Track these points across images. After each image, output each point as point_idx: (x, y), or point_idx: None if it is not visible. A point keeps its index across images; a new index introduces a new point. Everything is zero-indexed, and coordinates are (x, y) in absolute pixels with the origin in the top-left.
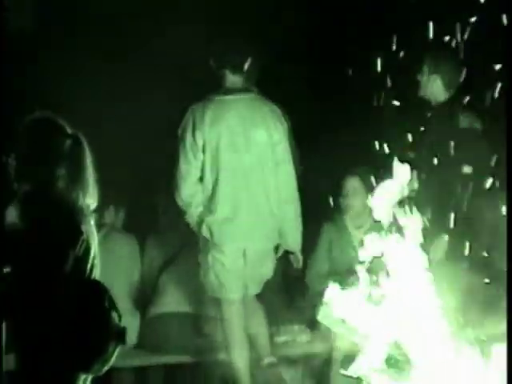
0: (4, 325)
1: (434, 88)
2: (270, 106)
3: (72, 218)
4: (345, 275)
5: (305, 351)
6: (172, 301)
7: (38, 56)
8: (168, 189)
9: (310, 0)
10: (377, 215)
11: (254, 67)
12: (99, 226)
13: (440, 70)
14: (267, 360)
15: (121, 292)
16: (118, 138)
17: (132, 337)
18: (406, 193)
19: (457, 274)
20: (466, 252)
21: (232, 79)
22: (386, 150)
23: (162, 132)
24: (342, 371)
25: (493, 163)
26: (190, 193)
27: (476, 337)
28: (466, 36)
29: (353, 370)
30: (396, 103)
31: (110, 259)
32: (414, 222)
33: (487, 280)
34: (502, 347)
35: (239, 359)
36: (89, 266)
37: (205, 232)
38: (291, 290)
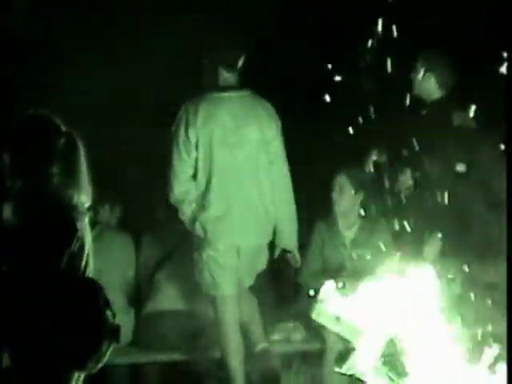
0: None
1: (428, 86)
2: (263, 104)
3: (67, 216)
4: (336, 274)
5: (299, 349)
6: (167, 298)
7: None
8: (163, 187)
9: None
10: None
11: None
12: (94, 223)
13: (434, 68)
14: (260, 346)
15: (115, 290)
16: (113, 135)
17: (127, 334)
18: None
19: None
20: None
21: (225, 77)
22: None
23: (158, 129)
24: (337, 369)
25: (487, 161)
26: (182, 190)
27: (472, 336)
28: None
29: (347, 368)
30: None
31: (104, 257)
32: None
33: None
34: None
35: (233, 356)
36: (83, 263)
37: (198, 230)
38: (285, 288)
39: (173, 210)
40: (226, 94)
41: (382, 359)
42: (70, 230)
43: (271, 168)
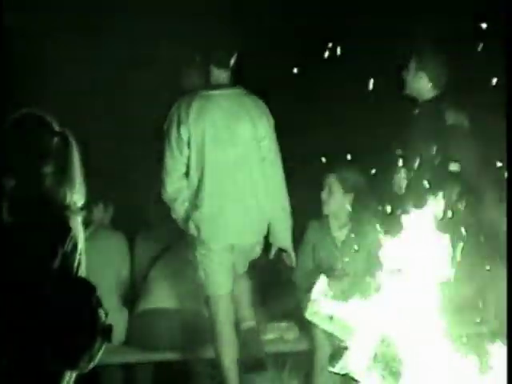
0: None
1: (421, 86)
2: (255, 101)
3: (60, 215)
4: (329, 274)
5: (293, 349)
6: (160, 297)
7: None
8: (156, 186)
9: None
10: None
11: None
12: (87, 223)
13: (426, 68)
14: (246, 324)
15: (109, 289)
16: (107, 134)
17: (120, 333)
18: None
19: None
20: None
21: (218, 74)
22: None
23: (150, 129)
24: (330, 368)
25: (480, 160)
26: (175, 188)
27: (467, 334)
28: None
29: (340, 367)
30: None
31: (98, 256)
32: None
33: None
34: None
35: (227, 355)
36: (76, 263)
37: (192, 229)
38: (278, 287)
39: (166, 209)
40: (218, 92)
41: (376, 358)
42: (63, 229)
43: (264, 165)
